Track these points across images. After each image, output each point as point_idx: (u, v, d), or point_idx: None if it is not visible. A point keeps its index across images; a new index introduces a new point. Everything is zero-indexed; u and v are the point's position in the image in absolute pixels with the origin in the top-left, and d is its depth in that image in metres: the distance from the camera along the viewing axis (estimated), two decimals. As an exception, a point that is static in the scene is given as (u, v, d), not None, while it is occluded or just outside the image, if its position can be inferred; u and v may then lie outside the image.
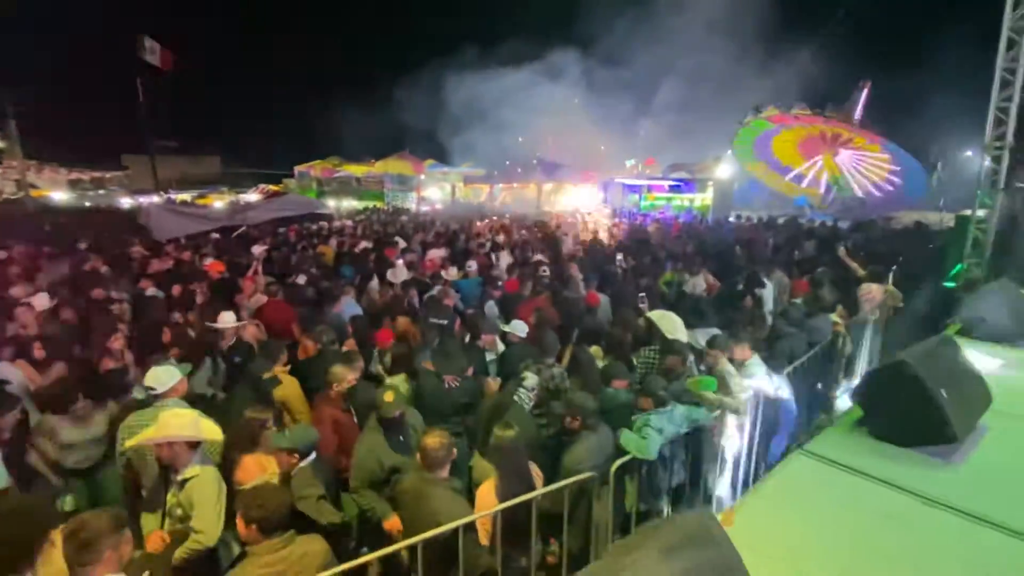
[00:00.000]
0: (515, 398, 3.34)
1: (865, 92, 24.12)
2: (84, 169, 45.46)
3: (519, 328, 4.44)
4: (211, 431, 2.68)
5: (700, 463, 3.49)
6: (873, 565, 1.86)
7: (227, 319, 4.48)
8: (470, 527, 2.37)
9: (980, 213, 8.31)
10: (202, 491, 2.52)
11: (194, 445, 2.62)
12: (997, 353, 3.70)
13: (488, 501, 2.49)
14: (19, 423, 3.26)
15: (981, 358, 3.52)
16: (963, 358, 2.80)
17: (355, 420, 3.47)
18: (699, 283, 6.75)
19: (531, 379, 3.47)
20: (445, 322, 4.73)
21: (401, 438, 2.93)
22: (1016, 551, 1.90)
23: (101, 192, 40.96)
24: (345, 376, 3.42)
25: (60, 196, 35.37)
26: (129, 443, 2.73)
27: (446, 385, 3.71)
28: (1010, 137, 7.83)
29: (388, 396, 3.04)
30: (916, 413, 2.46)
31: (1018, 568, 1.82)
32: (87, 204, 31.06)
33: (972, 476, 2.29)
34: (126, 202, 29.96)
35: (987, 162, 8.09)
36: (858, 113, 24.44)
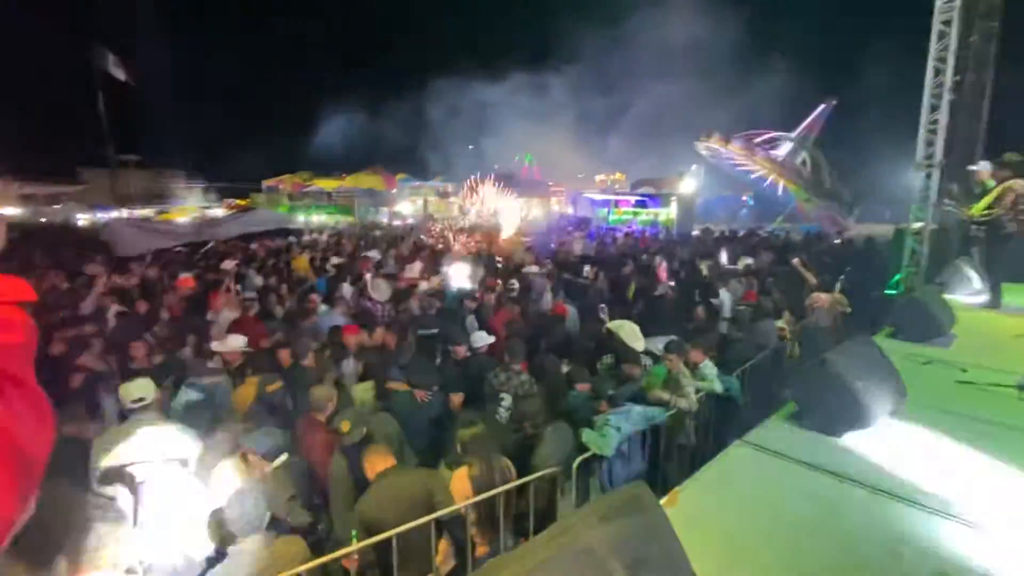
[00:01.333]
0: (496, 417, 3.56)
1: (828, 110, 25.12)
2: (38, 183, 43.73)
3: (482, 339, 4.63)
4: (187, 447, 2.75)
5: (658, 458, 3.75)
6: (796, 537, 2.12)
7: (235, 343, 4.44)
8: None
9: (915, 226, 9.02)
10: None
11: (170, 461, 2.66)
12: (917, 352, 4.11)
13: (461, 485, 2.69)
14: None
15: (902, 356, 3.92)
16: (881, 356, 3.15)
17: None
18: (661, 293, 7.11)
19: (508, 399, 3.70)
20: (436, 330, 4.89)
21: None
22: (917, 518, 2.20)
23: (56, 207, 39.43)
24: (330, 398, 3.40)
25: (11, 211, 33.91)
26: (104, 461, 2.65)
27: (418, 400, 3.84)
28: (939, 156, 8.57)
29: (344, 426, 3.02)
30: (838, 404, 2.78)
31: (917, 532, 2.11)
32: (41, 220, 29.85)
33: (884, 458, 2.61)
34: (83, 218, 28.99)
35: (920, 178, 8.83)
36: (817, 130, 25.59)
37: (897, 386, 3.05)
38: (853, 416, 2.76)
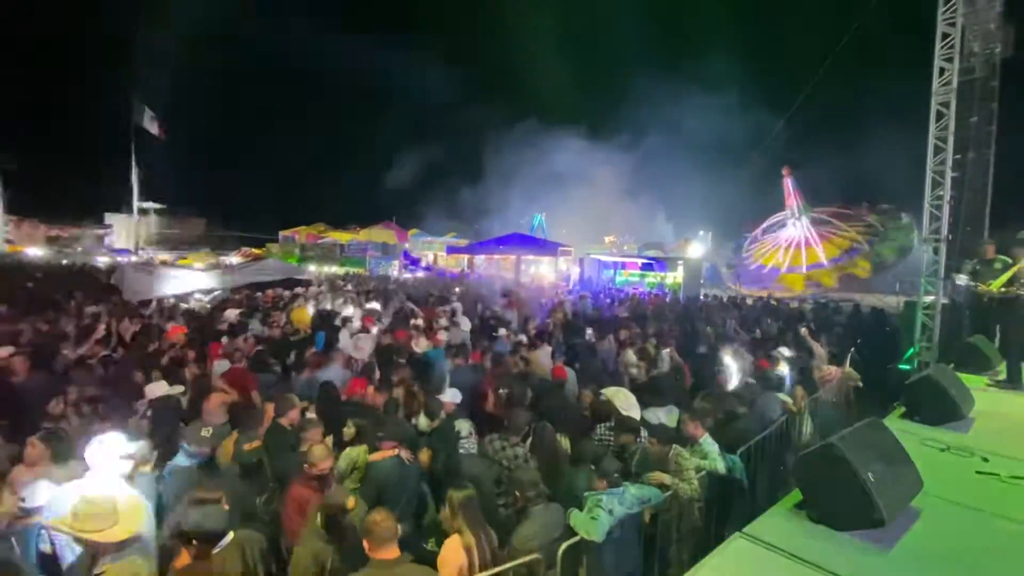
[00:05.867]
0: (460, 450, 3.40)
1: (790, 178, 26.38)
2: (64, 225, 45.41)
3: (453, 396, 4.47)
4: (128, 523, 2.46)
5: (655, 544, 3.46)
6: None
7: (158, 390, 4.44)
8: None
9: (926, 300, 8.87)
10: None
11: None
12: (933, 435, 3.86)
13: (456, 556, 2.53)
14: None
15: (917, 441, 3.68)
16: (893, 441, 2.94)
17: None
18: (665, 361, 6.94)
19: (463, 426, 3.57)
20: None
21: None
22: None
23: (79, 249, 40.61)
24: (323, 458, 3.17)
25: (36, 252, 34.95)
26: (55, 522, 2.49)
27: (404, 461, 3.64)
28: (945, 231, 8.56)
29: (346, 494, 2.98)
30: (846, 496, 2.55)
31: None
32: (63, 261, 30.57)
33: (899, 561, 2.36)
34: (103, 260, 29.65)
35: (927, 252, 8.78)
36: (793, 200, 26.57)
37: (913, 477, 2.82)
38: (863, 509, 2.53)
